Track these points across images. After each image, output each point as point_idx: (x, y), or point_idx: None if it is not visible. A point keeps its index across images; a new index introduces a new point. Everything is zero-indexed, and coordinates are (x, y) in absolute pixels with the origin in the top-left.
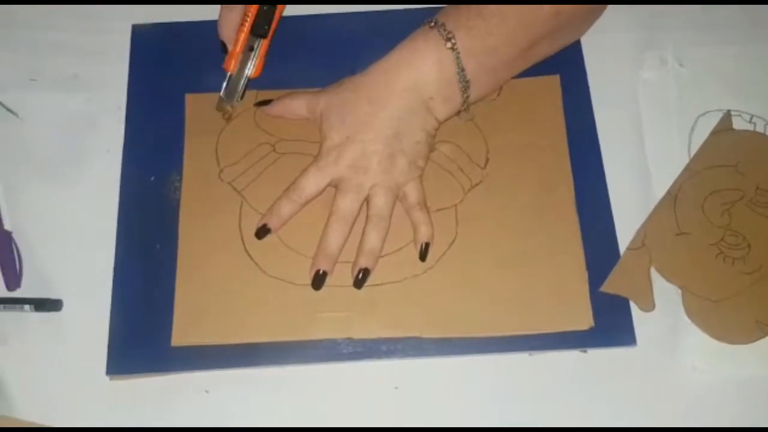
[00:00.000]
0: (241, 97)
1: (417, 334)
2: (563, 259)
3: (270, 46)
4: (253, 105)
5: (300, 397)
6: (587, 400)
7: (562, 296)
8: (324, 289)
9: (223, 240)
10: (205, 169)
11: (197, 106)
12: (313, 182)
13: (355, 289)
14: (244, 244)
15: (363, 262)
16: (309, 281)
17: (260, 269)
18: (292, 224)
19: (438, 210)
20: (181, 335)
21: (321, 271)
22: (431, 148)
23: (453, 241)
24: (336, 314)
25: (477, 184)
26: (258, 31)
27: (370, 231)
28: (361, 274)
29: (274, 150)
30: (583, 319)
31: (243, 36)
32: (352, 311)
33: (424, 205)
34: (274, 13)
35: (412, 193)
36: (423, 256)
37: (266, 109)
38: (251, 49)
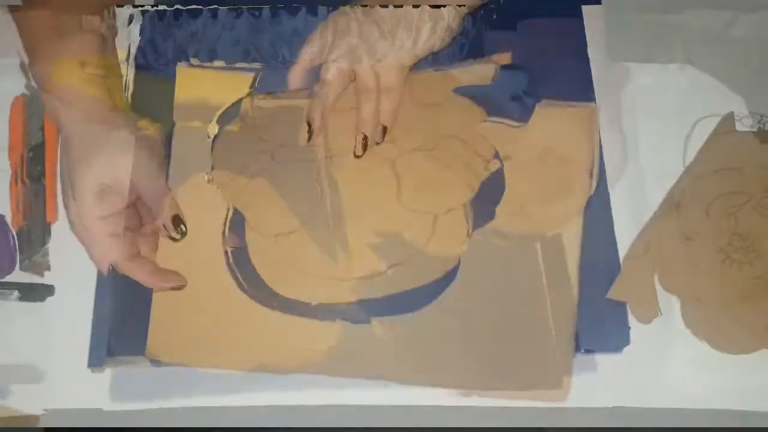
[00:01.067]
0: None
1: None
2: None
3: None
4: None
5: (303, 401)
6: (573, 408)
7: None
8: (302, 320)
9: (202, 251)
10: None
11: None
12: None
13: (334, 326)
14: (227, 257)
15: (360, 129)
16: (287, 305)
17: (238, 287)
18: (272, 257)
19: (448, 211)
20: (155, 348)
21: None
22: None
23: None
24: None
25: (485, 180)
26: (32, 174)
27: (361, 103)
28: (361, 143)
29: (273, 159)
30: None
31: (14, 190)
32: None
33: (378, 93)
34: (43, 155)
35: (384, 73)
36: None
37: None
38: (37, 194)
